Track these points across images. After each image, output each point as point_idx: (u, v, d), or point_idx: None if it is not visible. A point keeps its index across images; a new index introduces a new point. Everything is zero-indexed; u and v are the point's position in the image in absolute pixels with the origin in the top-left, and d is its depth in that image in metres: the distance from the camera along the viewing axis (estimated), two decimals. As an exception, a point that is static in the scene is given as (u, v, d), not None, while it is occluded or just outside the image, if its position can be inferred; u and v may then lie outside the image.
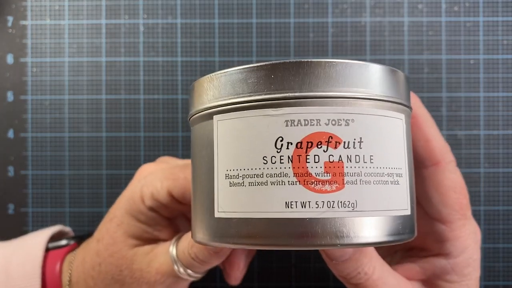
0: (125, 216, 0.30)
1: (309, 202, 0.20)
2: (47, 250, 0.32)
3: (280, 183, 0.20)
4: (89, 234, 0.35)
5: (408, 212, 0.22)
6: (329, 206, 0.20)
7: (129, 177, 0.39)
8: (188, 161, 0.32)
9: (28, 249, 0.31)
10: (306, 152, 0.20)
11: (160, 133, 0.39)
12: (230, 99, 0.21)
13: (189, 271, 0.28)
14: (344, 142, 0.20)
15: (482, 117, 0.39)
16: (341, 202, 0.20)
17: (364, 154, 0.20)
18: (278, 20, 0.39)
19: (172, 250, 0.28)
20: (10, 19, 0.40)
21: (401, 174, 0.22)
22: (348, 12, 0.39)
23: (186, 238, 0.28)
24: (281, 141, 0.20)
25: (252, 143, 0.20)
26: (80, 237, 0.34)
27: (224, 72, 0.22)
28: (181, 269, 0.28)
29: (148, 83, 0.39)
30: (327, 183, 0.20)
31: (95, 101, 0.39)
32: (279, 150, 0.20)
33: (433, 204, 0.27)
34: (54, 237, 0.34)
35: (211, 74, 0.22)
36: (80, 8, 0.40)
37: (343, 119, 0.20)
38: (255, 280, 0.38)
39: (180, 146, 0.39)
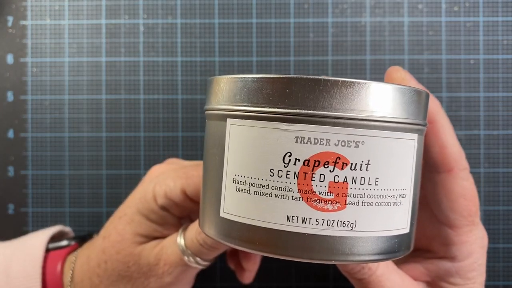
0: (136, 215, 0.30)
1: (309, 218, 0.20)
2: (48, 250, 0.32)
3: (284, 197, 0.20)
4: (89, 235, 0.35)
5: (406, 231, 0.22)
6: (328, 225, 0.20)
7: (129, 177, 0.39)
8: (196, 162, 0.32)
9: (28, 250, 0.31)
10: (312, 171, 0.20)
11: (160, 133, 0.39)
12: (244, 106, 0.21)
13: (198, 259, 0.28)
14: (351, 164, 0.20)
15: (482, 117, 0.39)
16: (340, 221, 0.20)
17: (370, 176, 0.20)
18: (278, 20, 0.39)
19: (180, 240, 0.29)
20: (10, 19, 0.40)
21: (405, 194, 0.22)
22: (348, 12, 0.39)
23: (193, 227, 0.28)
24: (289, 156, 0.20)
25: (261, 154, 0.21)
26: (81, 238, 0.34)
27: (242, 78, 0.22)
28: (191, 258, 0.28)
29: (148, 83, 0.39)
30: (330, 202, 0.20)
31: (95, 101, 0.39)
32: (286, 165, 0.20)
33: (442, 209, 0.27)
34: (55, 237, 0.34)
35: (229, 76, 0.22)
36: (80, 8, 0.40)
37: (353, 141, 0.20)
38: (255, 280, 0.38)
39: (180, 146, 0.39)
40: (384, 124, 0.20)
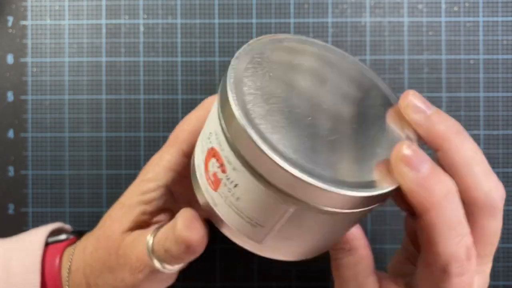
0: (131, 199, 0.29)
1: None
2: (47, 244, 0.32)
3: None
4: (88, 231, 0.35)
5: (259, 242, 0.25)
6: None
7: (129, 177, 0.39)
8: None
9: (27, 245, 0.31)
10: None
11: (160, 133, 0.39)
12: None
13: (165, 264, 0.27)
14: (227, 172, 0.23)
15: (482, 117, 0.39)
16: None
17: (234, 192, 0.23)
18: (278, 20, 0.39)
19: (149, 240, 0.27)
20: (10, 19, 0.40)
21: (263, 226, 0.23)
22: (348, 12, 0.39)
23: (165, 230, 0.27)
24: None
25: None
26: (80, 232, 0.34)
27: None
28: (155, 261, 0.27)
29: (148, 83, 0.39)
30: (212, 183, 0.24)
31: (95, 101, 0.40)
32: None
33: None
34: (54, 233, 0.34)
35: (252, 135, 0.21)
36: (80, 8, 0.40)
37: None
38: (255, 280, 0.38)
39: (180, 146, 0.39)
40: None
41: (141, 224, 0.29)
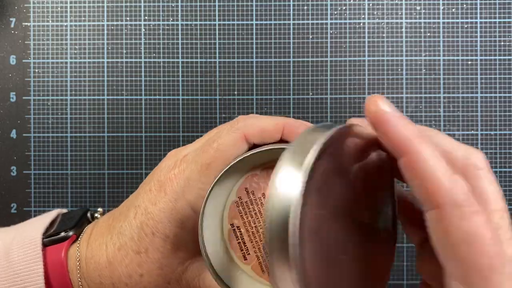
0: (170, 227, 0.28)
1: None
2: (46, 245, 0.31)
3: None
4: (84, 213, 0.34)
5: None
6: None
7: (130, 177, 0.40)
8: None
9: (28, 233, 0.31)
10: None
11: (161, 133, 0.40)
12: None
13: None
14: None
15: (480, 118, 0.39)
16: None
17: None
18: (277, 21, 0.40)
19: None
20: (12, 20, 0.40)
21: None
22: (346, 13, 0.40)
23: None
24: None
25: None
26: (78, 222, 0.33)
27: None
28: None
29: (150, 84, 0.40)
30: None
31: (97, 102, 0.40)
32: None
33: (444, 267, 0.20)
34: (52, 222, 0.33)
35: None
36: (82, 9, 0.40)
37: None
38: (255, 278, 0.39)
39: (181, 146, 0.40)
40: None
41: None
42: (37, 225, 0.32)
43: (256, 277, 0.26)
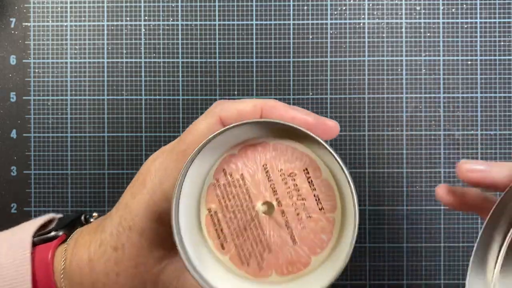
0: (147, 221, 0.28)
1: None
2: (35, 244, 0.31)
3: None
4: (78, 217, 0.34)
5: None
6: None
7: (130, 177, 0.40)
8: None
9: (18, 235, 0.30)
10: None
11: (161, 133, 0.40)
12: None
13: None
14: None
15: (479, 118, 0.39)
16: None
17: None
18: (277, 22, 0.40)
19: None
20: (13, 20, 0.40)
21: None
22: (346, 14, 0.40)
23: None
24: None
25: None
26: (70, 224, 0.33)
27: None
28: None
29: (150, 84, 0.40)
30: None
31: (97, 102, 0.40)
32: None
33: None
34: (46, 225, 0.33)
35: None
36: (82, 9, 0.40)
37: None
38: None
39: (181, 146, 0.40)
40: None
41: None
42: (28, 226, 0.31)
43: (236, 270, 0.25)
